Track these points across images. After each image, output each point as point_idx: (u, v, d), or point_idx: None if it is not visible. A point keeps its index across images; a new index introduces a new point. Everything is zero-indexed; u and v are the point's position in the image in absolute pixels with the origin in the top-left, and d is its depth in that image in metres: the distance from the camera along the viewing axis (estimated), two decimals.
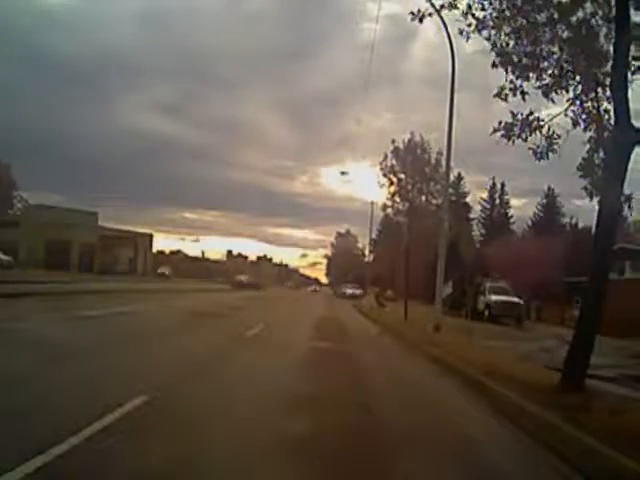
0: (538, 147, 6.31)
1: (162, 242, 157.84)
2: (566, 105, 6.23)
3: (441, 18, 12.23)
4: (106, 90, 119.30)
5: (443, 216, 15.55)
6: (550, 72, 6.27)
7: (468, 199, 63.75)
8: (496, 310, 26.64)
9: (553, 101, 6.30)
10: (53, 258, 46.57)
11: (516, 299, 27.54)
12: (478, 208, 63.90)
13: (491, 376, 6.85)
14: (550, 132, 6.20)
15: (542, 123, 6.21)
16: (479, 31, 7.04)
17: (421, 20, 8.07)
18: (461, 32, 7.26)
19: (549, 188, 59.45)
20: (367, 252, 55.99)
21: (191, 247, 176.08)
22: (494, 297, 27.27)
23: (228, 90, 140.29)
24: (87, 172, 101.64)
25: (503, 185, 63.55)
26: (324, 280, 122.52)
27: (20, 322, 9.53)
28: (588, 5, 6.59)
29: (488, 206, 63.73)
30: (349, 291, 55.57)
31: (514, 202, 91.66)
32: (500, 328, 22.26)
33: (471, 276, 33.61)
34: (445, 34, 13.79)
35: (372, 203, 37.76)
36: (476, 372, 7.35)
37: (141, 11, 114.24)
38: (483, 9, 6.98)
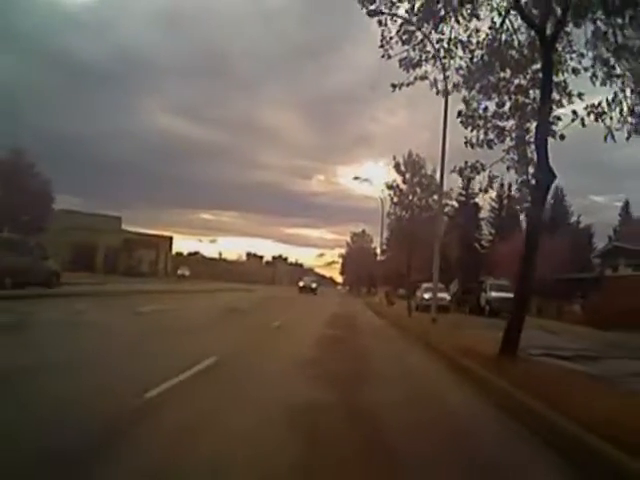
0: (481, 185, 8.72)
1: (180, 243, 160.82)
2: (502, 155, 8.55)
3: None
4: (125, 92, 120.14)
5: (438, 223, 17.96)
6: (491, 129, 8.54)
7: (478, 200, 65.26)
8: (495, 305, 28.81)
9: (491, 148, 8.59)
10: (78, 261, 49.11)
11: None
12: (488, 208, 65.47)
13: (458, 352, 9.26)
14: (490, 174, 8.56)
15: (485, 167, 8.56)
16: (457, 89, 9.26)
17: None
18: (437, 92, 9.57)
19: (557, 187, 61.03)
20: (379, 251, 57.93)
21: (209, 248, 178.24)
22: (494, 294, 29.50)
23: (246, 90, 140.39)
24: (106, 174, 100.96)
25: (510, 185, 64.86)
26: (339, 279, 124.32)
27: (93, 316, 12.07)
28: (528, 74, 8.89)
29: (497, 206, 65.40)
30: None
31: None
32: (496, 321, 24.37)
33: (476, 275, 35.89)
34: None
35: (382, 200, 38.18)
36: (450, 349, 9.77)
37: (161, 12, 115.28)
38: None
